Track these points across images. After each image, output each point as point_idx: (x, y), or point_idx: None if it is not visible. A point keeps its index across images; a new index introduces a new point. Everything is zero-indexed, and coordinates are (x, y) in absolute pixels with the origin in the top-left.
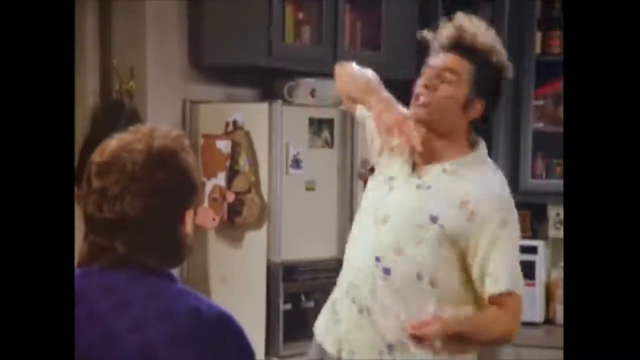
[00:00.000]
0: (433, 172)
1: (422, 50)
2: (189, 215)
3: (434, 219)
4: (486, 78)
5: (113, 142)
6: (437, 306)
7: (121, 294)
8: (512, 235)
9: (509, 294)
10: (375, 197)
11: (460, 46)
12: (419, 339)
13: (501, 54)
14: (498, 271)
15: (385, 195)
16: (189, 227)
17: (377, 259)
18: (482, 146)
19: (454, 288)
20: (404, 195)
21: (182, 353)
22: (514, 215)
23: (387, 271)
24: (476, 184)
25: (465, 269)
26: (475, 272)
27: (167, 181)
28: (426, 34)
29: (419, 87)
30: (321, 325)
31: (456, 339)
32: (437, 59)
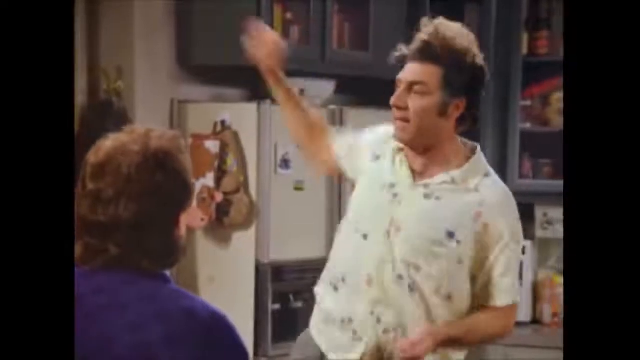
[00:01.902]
0: (439, 181)
1: None
2: (183, 218)
3: (450, 235)
4: (460, 78)
5: (108, 143)
6: (451, 320)
7: (115, 295)
8: (518, 246)
9: (507, 306)
10: (378, 206)
11: (428, 52)
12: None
13: (476, 57)
14: (504, 285)
15: (391, 204)
16: (183, 229)
17: (400, 277)
18: (479, 150)
19: (464, 299)
20: (414, 207)
21: (178, 353)
22: (520, 224)
23: (411, 288)
24: (486, 193)
25: (473, 279)
26: (481, 282)
27: (163, 184)
28: (402, 48)
29: (392, 107)
30: (334, 343)
31: (449, 343)
32: (403, 74)
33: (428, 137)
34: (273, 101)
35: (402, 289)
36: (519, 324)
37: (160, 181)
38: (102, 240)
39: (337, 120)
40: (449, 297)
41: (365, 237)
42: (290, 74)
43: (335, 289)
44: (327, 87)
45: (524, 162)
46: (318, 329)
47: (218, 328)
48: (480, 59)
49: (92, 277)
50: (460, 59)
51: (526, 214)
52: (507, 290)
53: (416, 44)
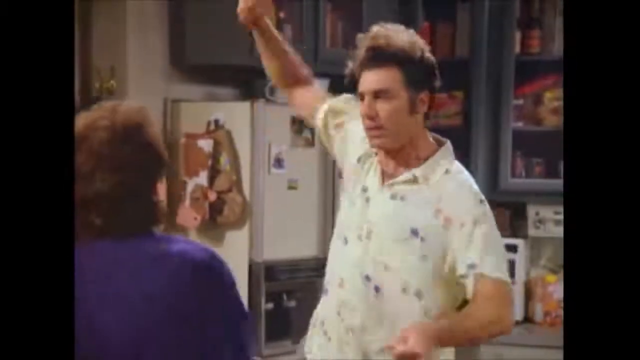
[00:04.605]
0: (403, 181)
1: None
2: (160, 187)
3: (414, 232)
4: (418, 72)
5: (80, 122)
6: (424, 318)
7: (109, 257)
8: (488, 229)
9: (493, 282)
10: (354, 212)
11: (379, 57)
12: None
13: (423, 49)
14: (479, 262)
15: (364, 208)
16: (162, 196)
17: (367, 278)
18: (445, 146)
19: (438, 297)
20: (381, 208)
21: (181, 293)
22: (485, 209)
23: (377, 289)
24: (447, 188)
25: (447, 276)
26: (459, 274)
27: (134, 155)
28: (350, 65)
29: (363, 118)
30: (313, 346)
31: (443, 338)
32: (363, 85)
33: (403, 138)
34: (266, 100)
35: (368, 289)
36: None
37: (130, 153)
38: (85, 214)
39: None
40: (418, 296)
41: (345, 242)
42: None
43: (324, 295)
44: (320, 86)
45: (516, 161)
46: (309, 335)
47: (212, 263)
48: (428, 51)
49: (84, 248)
50: (410, 53)
51: (518, 213)
52: (485, 265)
53: (363, 53)
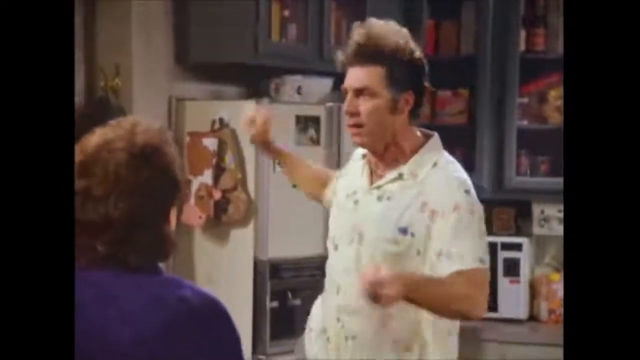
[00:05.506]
0: (390, 180)
1: None
2: (173, 213)
3: (404, 231)
4: (403, 73)
5: (94, 139)
6: (417, 312)
7: (106, 289)
8: (465, 214)
9: (467, 272)
10: (345, 216)
11: (365, 54)
12: (376, 298)
13: (412, 50)
14: (452, 250)
15: (353, 211)
16: (173, 224)
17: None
18: (432, 139)
19: None
20: (369, 210)
21: (173, 341)
22: (469, 198)
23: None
24: (433, 181)
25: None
26: (431, 257)
27: (151, 180)
28: (338, 54)
29: (345, 114)
30: (313, 350)
31: (414, 292)
32: (347, 81)
33: (384, 137)
34: (271, 99)
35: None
36: (515, 321)
37: (148, 178)
38: (90, 239)
39: (335, 117)
40: None
41: (336, 247)
42: (288, 71)
43: (323, 301)
44: (324, 84)
45: (521, 160)
46: (308, 338)
47: (211, 314)
48: (418, 51)
49: (80, 273)
50: (397, 54)
51: (523, 211)
52: (456, 257)
53: (351, 48)
